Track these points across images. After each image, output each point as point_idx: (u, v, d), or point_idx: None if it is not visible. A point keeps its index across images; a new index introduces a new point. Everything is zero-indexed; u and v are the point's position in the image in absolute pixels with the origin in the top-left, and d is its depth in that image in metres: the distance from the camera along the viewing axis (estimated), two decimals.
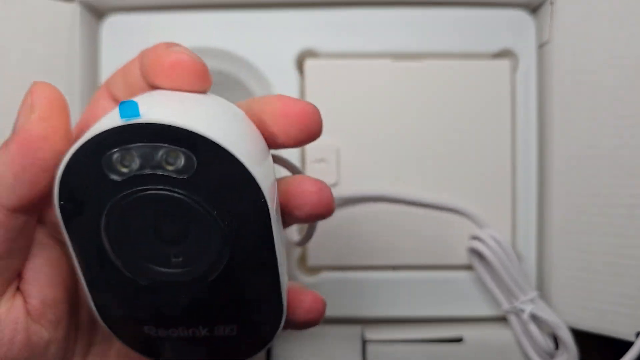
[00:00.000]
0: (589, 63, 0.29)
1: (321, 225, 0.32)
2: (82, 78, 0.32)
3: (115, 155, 0.15)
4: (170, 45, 0.18)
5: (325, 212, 0.19)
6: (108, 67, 0.32)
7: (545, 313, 0.29)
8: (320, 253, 0.32)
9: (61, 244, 0.19)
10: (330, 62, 0.32)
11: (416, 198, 0.30)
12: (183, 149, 0.15)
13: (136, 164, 0.15)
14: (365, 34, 0.32)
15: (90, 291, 0.18)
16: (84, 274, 0.17)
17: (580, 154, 0.29)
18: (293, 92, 0.32)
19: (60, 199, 0.15)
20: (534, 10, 0.33)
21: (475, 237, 0.30)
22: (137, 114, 0.14)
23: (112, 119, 0.15)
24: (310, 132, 0.19)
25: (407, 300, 0.32)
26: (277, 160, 0.21)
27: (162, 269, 0.17)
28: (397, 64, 0.32)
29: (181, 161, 0.15)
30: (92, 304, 0.18)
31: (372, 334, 0.31)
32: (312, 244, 0.32)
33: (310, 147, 0.31)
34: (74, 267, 0.17)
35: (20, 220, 0.17)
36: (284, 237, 0.20)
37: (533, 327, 0.29)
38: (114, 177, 0.15)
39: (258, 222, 0.16)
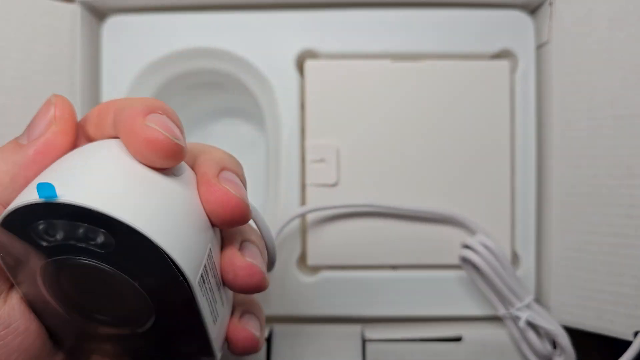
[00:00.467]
0: (587, 63, 0.29)
1: (321, 224, 0.32)
2: (83, 78, 0.32)
3: (41, 227, 0.16)
4: (148, 111, 0.17)
5: (253, 291, 0.20)
6: (109, 68, 0.32)
7: (541, 319, 0.29)
8: (319, 253, 0.32)
9: None
10: (330, 63, 0.32)
11: (407, 207, 0.31)
12: (100, 229, 0.16)
13: (60, 235, 0.16)
14: (365, 35, 0.32)
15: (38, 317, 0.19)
16: (31, 307, 0.18)
17: (578, 154, 0.29)
18: (293, 93, 0.32)
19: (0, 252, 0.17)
20: (532, 11, 0.33)
21: (466, 246, 0.30)
22: (54, 196, 0.15)
23: (33, 193, 0.16)
24: (234, 220, 0.19)
25: (406, 300, 0.32)
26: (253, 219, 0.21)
27: (93, 322, 0.18)
28: (396, 65, 0.32)
29: (101, 239, 0.16)
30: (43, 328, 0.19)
31: (372, 333, 0.31)
32: (311, 244, 0.32)
33: (310, 147, 0.31)
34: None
35: None
36: (224, 294, 0.20)
37: (530, 334, 0.29)
38: (43, 243, 0.16)
39: (179, 294, 0.17)
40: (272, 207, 0.32)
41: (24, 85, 0.30)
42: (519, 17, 0.32)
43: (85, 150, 0.18)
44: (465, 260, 0.30)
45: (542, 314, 0.29)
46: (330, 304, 0.32)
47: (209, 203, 0.18)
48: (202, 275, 0.18)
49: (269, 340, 0.31)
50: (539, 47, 0.32)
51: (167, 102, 0.37)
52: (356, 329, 0.32)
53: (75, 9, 0.31)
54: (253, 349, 0.21)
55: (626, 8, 0.27)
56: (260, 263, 0.20)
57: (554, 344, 0.30)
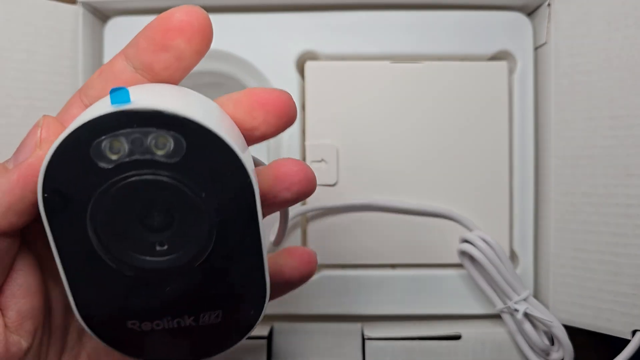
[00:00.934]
0: (585, 64, 0.29)
1: (321, 223, 0.32)
2: (86, 80, 0.32)
3: (104, 143, 0.15)
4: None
5: (311, 188, 0.20)
6: None
7: (538, 311, 0.29)
8: (320, 251, 0.32)
9: (35, 252, 0.19)
10: (330, 64, 0.32)
11: (404, 205, 0.31)
12: (172, 133, 0.15)
13: (125, 150, 0.15)
14: (365, 37, 0.32)
15: (72, 289, 0.17)
16: (66, 272, 0.17)
17: (576, 154, 0.30)
18: (294, 94, 0.32)
19: (44, 192, 0.15)
20: (530, 12, 0.33)
21: (464, 240, 0.30)
22: (128, 100, 0.15)
23: (100, 107, 0.15)
24: (289, 117, 0.19)
25: (406, 298, 0.32)
26: None
27: (149, 258, 0.17)
28: (396, 66, 0.32)
29: (170, 145, 0.15)
30: (73, 303, 0.18)
31: (372, 331, 0.31)
32: (311, 243, 0.32)
33: (310, 148, 0.32)
34: (54, 267, 0.17)
35: (6, 242, 0.17)
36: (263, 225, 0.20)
37: (528, 326, 0.29)
38: (103, 165, 0.15)
39: (244, 206, 0.17)
40: None
41: (27, 87, 0.30)
42: (517, 19, 0.32)
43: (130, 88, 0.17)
44: (463, 254, 0.30)
45: (539, 308, 0.30)
46: (330, 303, 0.32)
47: (265, 105, 0.19)
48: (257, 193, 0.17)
49: (269, 338, 0.32)
50: (537, 48, 0.32)
51: None
52: (356, 327, 0.32)
53: (78, 10, 0.31)
54: (312, 266, 0.22)
55: (623, 9, 0.27)
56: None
57: (552, 340, 0.30)
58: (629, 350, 0.27)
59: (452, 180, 0.32)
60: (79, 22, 0.31)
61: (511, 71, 0.32)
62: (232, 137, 0.16)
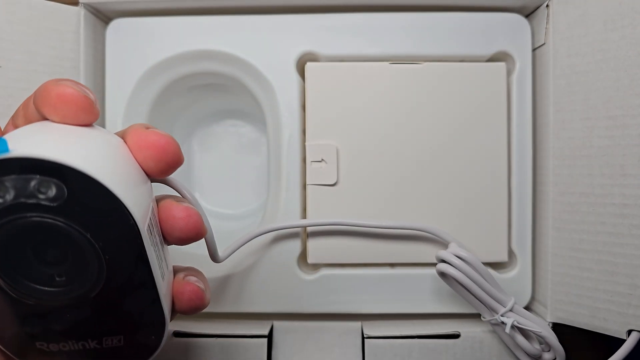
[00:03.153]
0: (582, 65, 0.29)
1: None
2: (87, 81, 0.32)
3: None
4: (60, 80, 0.19)
5: (195, 236, 0.21)
6: (113, 71, 0.33)
7: (526, 321, 0.29)
8: (319, 251, 0.32)
9: None
10: (330, 65, 0.32)
11: (379, 224, 0.31)
12: (53, 179, 0.16)
13: (10, 194, 0.16)
14: (365, 38, 0.32)
15: None
16: None
17: (574, 154, 0.30)
18: (294, 94, 0.32)
19: None
20: (529, 14, 0.33)
21: (441, 260, 0.29)
22: (6, 150, 0.16)
23: None
24: (168, 162, 0.20)
25: (405, 297, 0.32)
26: (169, 183, 0.22)
27: (46, 289, 0.18)
28: (395, 67, 0.32)
29: (53, 190, 0.16)
30: None
31: (372, 330, 0.32)
32: (312, 242, 0.32)
33: (310, 148, 0.32)
34: None
35: None
36: (164, 252, 0.21)
37: (519, 338, 0.29)
38: None
39: (131, 243, 0.18)
40: (273, 207, 0.33)
41: (28, 87, 0.30)
42: (516, 20, 0.32)
43: (22, 129, 0.18)
44: (442, 274, 0.30)
45: (527, 316, 0.30)
46: (330, 301, 0.32)
47: (142, 150, 0.19)
48: (149, 225, 0.18)
49: (269, 336, 0.32)
50: (536, 49, 0.33)
51: (169, 103, 0.37)
52: (356, 325, 0.32)
53: (80, 11, 0.32)
54: (200, 302, 0.22)
55: (620, 10, 0.28)
56: (197, 208, 0.21)
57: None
58: (624, 350, 0.28)
59: (451, 180, 0.32)
60: (80, 24, 0.32)
61: (510, 72, 0.33)
62: (117, 179, 0.17)
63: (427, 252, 0.32)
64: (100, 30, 0.33)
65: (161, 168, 0.20)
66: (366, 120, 0.32)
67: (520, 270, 0.32)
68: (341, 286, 0.32)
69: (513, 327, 0.29)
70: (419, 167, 0.32)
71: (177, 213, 0.20)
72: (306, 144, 0.32)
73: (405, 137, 0.32)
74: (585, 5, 0.29)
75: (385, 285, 0.32)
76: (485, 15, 0.32)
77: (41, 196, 0.16)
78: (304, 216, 0.33)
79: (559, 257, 0.31)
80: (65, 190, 0.16)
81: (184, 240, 0.21)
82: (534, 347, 0.29)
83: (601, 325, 0.29)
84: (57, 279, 0.18)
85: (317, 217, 0.32)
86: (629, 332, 0.28)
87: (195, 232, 0.20)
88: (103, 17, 0.33)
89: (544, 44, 0.32)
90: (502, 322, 0.29)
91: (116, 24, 0.33)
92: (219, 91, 0.36)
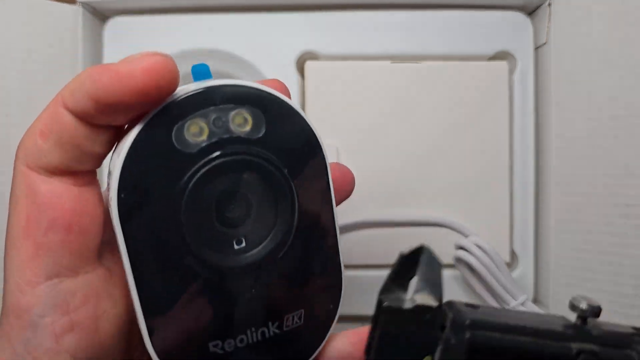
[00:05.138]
0: (585, 64, 0.29)
1: None
2: None
3: (187, 124, 0.15)
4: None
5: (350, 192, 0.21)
6: None
7: None
8: None
9: (106, 266, 0.17)
10: (330, 64, 0.32)
11: (398, 218, 0.31)
12: (251, 108, 0.15)
13: (207, 131, 0.15)
14: (365, 37, 0.32)
15: (146, 315, 0.15)
16: (140, 291, 0.15)
17: (576, 154, 0.30)
18: (293, 93, 0.32)
19: (119, 192, 0.14)
20: (531, 12, 0.33)
21: (460, 247, 0.30)
22: (210, 75, 0.15)
23: (180, 91, 0.15)
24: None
25: None
26: None
27: (230, 256, 0.16)
28: (396, 66, 0.32)
29: (250, 122, 0.15)
30: (147, 336, 0.16)
31: None
32: None
33: None
34: (128, 290, 0.16)
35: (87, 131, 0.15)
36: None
37: None
38: (186, 150, 0.15)
39: (320, 183, 0.16)
40: None
41: (26, 86, 0.30)
42: (518, 19, 0.32)
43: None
44: (459, 261, 0.30)
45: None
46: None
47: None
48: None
49: None
50: (538, 48, 0.32)
51: None
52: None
53: (77, 10, 0.31)
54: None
55: (623, 8, 0.27)
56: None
57: None
58: None
59: (452, 180, 0.32)
60: (78, 22, 0.31)
61: (511, 71, 0.32)
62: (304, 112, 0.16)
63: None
64: (98, 28, 0.33)
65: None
66: (366, 120, 0.32)
67: (522, 271, 0.32)
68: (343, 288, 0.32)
69: None
70: (419, 167, 0.32)
71: (347, 171, 0.21)
72: None
73: (406, 137, 0.32)
74: (588, 4, 0.29)
75: None
76: (486, 13, 0.32)
77: (239, 130, 0.15)
78: None
79: (562, 258, 0.31)
80: (264, 121, 0.15)
81: (347, 194, 0.21)
82: None
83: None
84: (240, 245, 0.16)
85: None
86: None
87: (351, 190, 0.21)
88: (101, 16, 0.33)
89: (546, 43, 0.31)
90: None
91: (114, 23, 0.33)
92: None
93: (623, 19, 0.27)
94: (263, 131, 0.15)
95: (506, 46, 0.32)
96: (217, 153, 0.15)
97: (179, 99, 0.15)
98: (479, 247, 0.29)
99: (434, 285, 0.14)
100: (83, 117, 0.15)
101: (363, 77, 0.32)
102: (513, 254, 0.32)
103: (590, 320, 0.15)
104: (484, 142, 0.32)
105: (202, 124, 0.15)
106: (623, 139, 0.28)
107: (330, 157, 0.31)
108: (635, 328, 0.15)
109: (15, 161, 0.16)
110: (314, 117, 0.32)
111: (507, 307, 0.29)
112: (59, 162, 0.15)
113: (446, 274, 0.32)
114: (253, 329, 0.17)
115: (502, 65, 0.32)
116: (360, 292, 0.32)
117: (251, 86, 0.15)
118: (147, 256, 0.15)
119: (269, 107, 0.15)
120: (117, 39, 0.33)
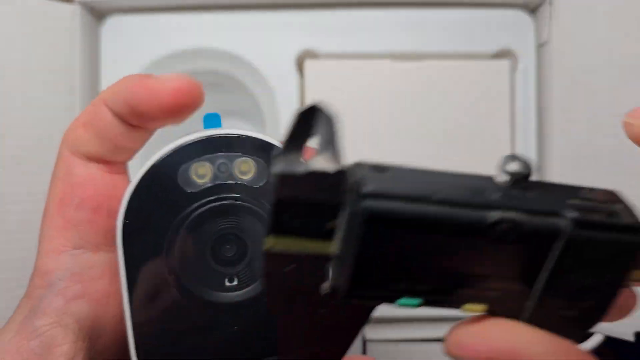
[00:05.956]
0: (587, 62, 0.29)
1: None
2: (82, 79, 0.32)
3: (193, 166, 0.16)
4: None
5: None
6: (108, 68, 0.32)
7: None
8: None
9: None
10: (330, 63, 0.32)
11: None
12: (256, 158, 0.16)
13: (210, 175, 0.16)
14: (365, 35, 0.32)
15: (135, 333, 0.17)
16: (132, 310, 0.17)
17: (578, 153, 0.29)
18: (293, 92, 0.32)
19: (125, 217, 0.16)
20: (532, 10, 0.33)
21: None
22: (219, 125, 0.16)
23: (190, 135, 0.16)
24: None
25: None
26: None
27: (220, 293, 0.17)
28: (396, 64, 0.32)
29: (254, 171, 0.16)
30: (133, 351, 0.17)
31: (373, 333, 0.31)
32: None
33: (310, 147, 0.31)
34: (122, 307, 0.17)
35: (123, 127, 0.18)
36: None
37: None
38: (188, 189, 0.16)
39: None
40: None
41: (23, 85, 0.30)
42: (519, 17, 0.32)
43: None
44: None
45: None
46: None
47: None
48: None
49: None
50: (539, 46, 0.32)
51: None
52: None
53: (75, 9, 0.31)
54: None
55: (625, 7, 0.27)
56: None
57: None
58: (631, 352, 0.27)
59: None
60: (75, 21, 0.31)
61: (513, 69, 0.32)
62: None
63: None
64: (95, 27, 0.33)
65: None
66: (367, 119, 0.32)
67: None
68: None
69: None
70: (420, 165, 0.32)
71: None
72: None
73: (406, 136, 0.32)
74: (589, 1, 0.29)
75: None
76: (488, 11, 0.32)
77: (242, 177, 0.16)
78: None
79: None
80: (268, 173, 0.16)
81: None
82: None
83: (608, 328, 0.28)
84: (231, 283, 0.17)
85: None
86: (637, 333, 0.27)
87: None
88: (98, 15, 0.33)
89: (548, 41, 0.31)
90: None
91: (111, 22, 0.33)
92: (216, 90, 0.36)
93: (625, 17, 0.27)
94: (265, 181, 0.16)
95: (508, 44, 0.32)
96: (217, 196, 0.16)
97: (191, 142, 0.16)
98: None
99: (333, 147, 0.13)
100: (120, 117, 0.17)
101: (363, 76, 0.32)
102: None
103: (529, 182, 0.13)
104: (486, 140, 0.32)
105: (208, 167, 0.16)
106: (625, 138, 0.27)
107: None
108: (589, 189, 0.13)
109: (60, 145, 0.18)
110: None
111: None
112: (95, 152, 0.18)
113: None
114: None
115: (504, 63, 0.32)
116: None
117: (260, 138, 0.16)
118: (141, 280, 0.17)
119: (268, 157, 0.16)
120: (114, 38, 0.32)
